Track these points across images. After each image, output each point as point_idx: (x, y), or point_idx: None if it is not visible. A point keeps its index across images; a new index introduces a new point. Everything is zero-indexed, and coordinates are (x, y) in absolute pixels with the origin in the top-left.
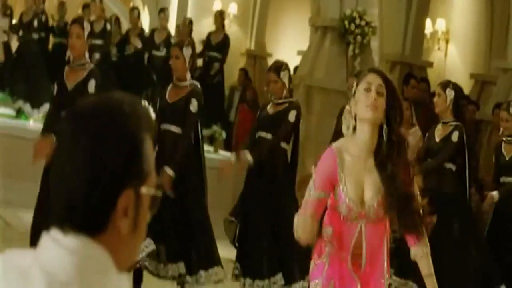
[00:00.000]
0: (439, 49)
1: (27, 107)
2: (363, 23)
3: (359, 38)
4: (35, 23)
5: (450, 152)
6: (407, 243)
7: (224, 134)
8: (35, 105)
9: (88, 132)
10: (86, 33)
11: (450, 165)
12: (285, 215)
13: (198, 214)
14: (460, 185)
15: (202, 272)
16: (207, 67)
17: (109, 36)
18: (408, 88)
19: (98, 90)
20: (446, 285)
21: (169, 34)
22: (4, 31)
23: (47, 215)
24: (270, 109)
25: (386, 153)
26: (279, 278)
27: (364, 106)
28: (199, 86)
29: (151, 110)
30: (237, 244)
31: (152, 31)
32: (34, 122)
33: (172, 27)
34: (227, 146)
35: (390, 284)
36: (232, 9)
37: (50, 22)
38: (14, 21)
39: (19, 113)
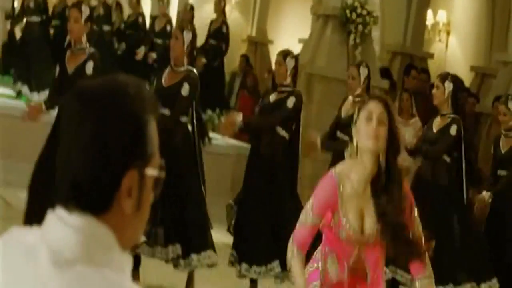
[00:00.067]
0: (440, 40)
1: (25, 89)
2: (364, 12)
3: (360, 27)
4: (31, 4)
5: (448, 145)
6: (412, 275)
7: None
8: (36, 88)
9: (93, 113)
10: (84, 17)
11: (445, 157)
12: (283, 204)
13: (193, 197)
14: (456, 178)
15: (193, 256)
16: (206, 53)
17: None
18: (409, 78)
19: (96, 72)
20: (440, 275)
21: (168, 22)
22: (6, 13)
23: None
24: (272, 96)
25: (383, 184)
26: (275, 265)
27: (365, 136)
28: (195, 71)
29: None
30: (232, 231)
31: (153, 18)
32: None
33: (174, 13)
34: None
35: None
36: None
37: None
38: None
39: (19, 94)
